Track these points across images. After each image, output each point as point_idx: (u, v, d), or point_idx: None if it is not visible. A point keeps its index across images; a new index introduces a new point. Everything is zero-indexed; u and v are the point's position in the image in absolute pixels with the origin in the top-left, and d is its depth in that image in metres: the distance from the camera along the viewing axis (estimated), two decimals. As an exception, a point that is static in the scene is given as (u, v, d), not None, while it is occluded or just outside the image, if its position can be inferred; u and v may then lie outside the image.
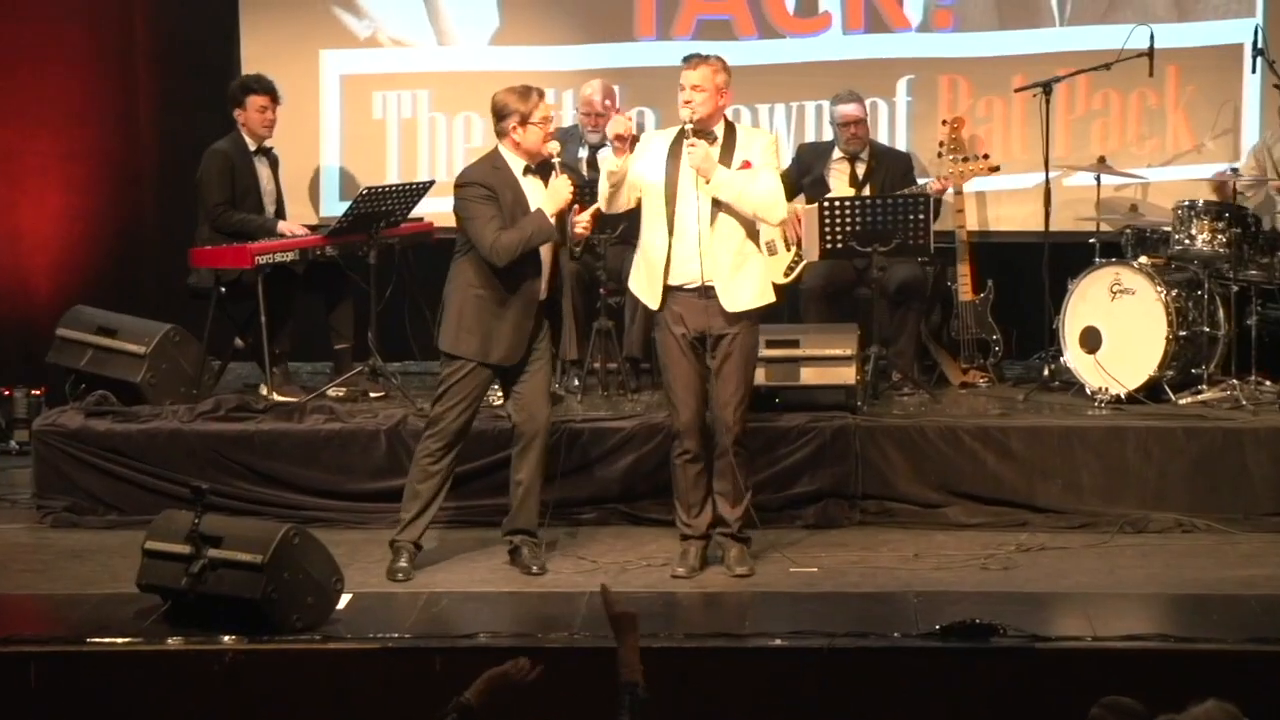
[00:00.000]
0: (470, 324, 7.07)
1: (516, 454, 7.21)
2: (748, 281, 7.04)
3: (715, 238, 6.97)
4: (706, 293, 6.99)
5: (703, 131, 6.98)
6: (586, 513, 7.99)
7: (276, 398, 8.55)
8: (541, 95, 7.10)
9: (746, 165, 6.99)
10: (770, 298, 7.15)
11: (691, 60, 7.08)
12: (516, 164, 7.09)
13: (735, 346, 7.03)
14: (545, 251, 7.08)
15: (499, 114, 7.09)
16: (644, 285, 7.11)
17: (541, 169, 7.11)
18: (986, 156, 9.15)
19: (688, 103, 6.97)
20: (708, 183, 6.93)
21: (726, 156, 7.01)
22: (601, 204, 7.08)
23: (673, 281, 7.01)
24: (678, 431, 7.13)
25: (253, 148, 8.94)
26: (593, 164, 9.02)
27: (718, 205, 6.96)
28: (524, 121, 7.04)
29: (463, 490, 7.64)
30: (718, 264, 6.97)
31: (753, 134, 7.20)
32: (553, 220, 6.98)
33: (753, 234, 7.07)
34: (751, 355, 7.14)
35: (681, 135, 7.00)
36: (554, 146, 7.05)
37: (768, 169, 7.04)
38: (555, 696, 5.10)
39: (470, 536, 7.67)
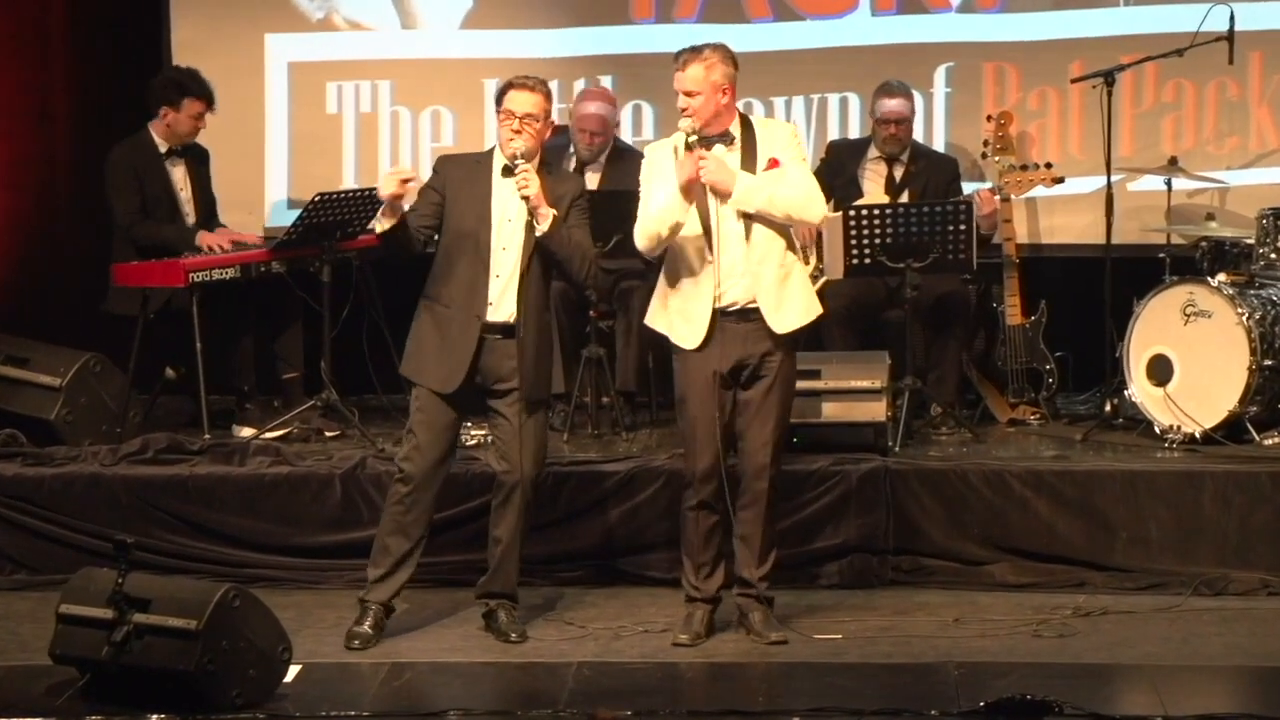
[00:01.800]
0: (414, 338, 7.20)
1: (494, 507, 7.26)
2: (795, 296, 7.08)
3: (752, 253, 6.98)
4: (746, 315, 7.03)
5: (711, 138, 7.01)
6: (574, 570, 8.02)
7: (249, 434, 8.60)
8: (515, 84, 7.07)
9: (774, 164, 7.01)
10: (817, 309, 7.20)
11: (681, 58, 7.04)
12: (498, 161, 7.15)
13: (776, 376, 7.04)
14: (510, 266, 7.09)
15: None
16: (678, 322, 7.06)
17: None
18: (1049, 165, 9.19)
19: (685, 110, 6.99)
20: (729, 198, 6.94)
21: (749, 159, 7.04)
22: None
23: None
24: (693, 479, 7.13)
25: (163, 149, 8.99)
26: (579, 174, 9.06)
27: (749, 215, 6.99)
28: (497, 107, 7.12)
29: (431, 544, 7.66)
30: (761, 282, 7.00)
31: (772, 126, 7.22)
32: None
33: (791, 241, 7.12)
34: (792, 387, 7.17)
35: (689, 146, 6.99)
36: (517, 145, 7.06)
37: (795, 163, 7.08)
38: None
39: (440, 597, 7.69)
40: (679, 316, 7.07)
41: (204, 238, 8.88)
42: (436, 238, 7.18)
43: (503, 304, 7.09)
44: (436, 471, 7.19)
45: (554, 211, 7.01)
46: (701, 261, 7.00)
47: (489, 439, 7.39)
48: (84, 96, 9.97)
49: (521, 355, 7.06)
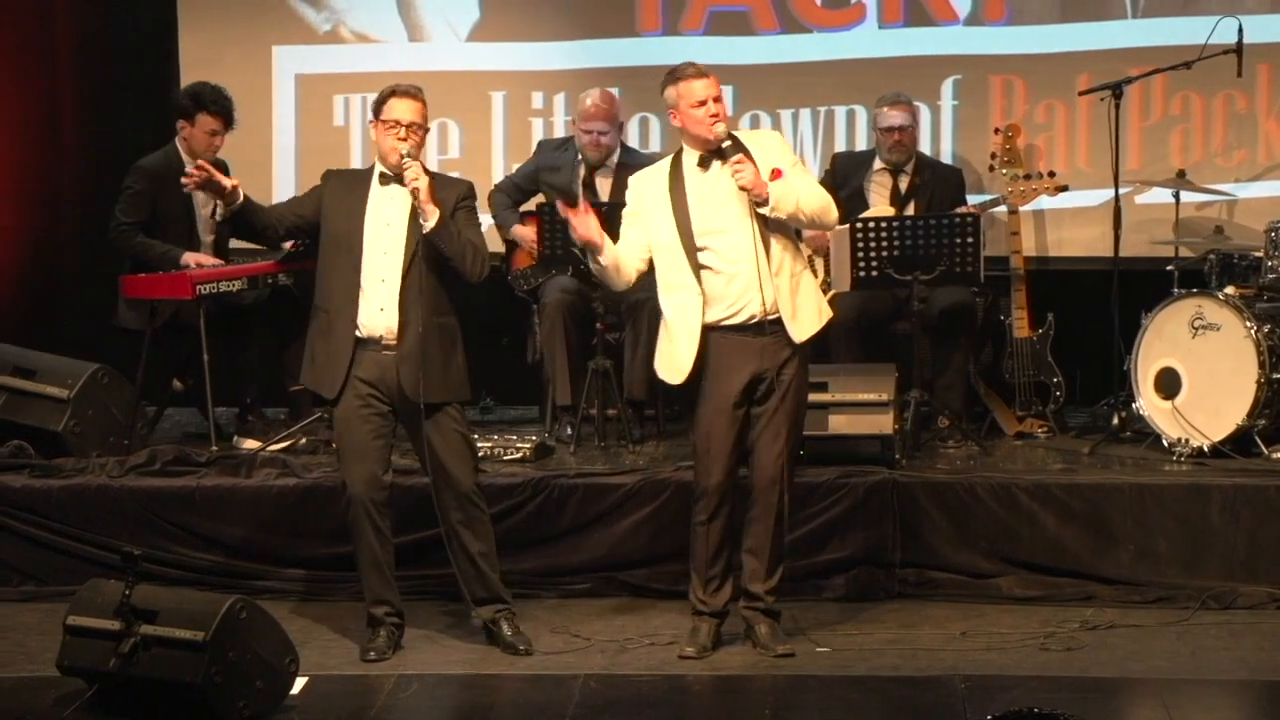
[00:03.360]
0: (306, 348, 7.30)
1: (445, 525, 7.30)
2: (807, 303, 7.12)
3: (772, 264, 6.99)
4: (762, 329, 7.05)
5: (723, 150, 7.00)
6: (580, 582, 8.05)
7: (252, 446, 8.63)
8: (398, 93, 7.12)
9: (778, 174, 7.02)
10: (828, 313, 7.24)
11: (690, 69, 7.05)
12: (377, 170, 7.22)
13: (790, 387, 7.07)
14: (394, 269, 7.09)
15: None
16: (669, 364, 7.09)
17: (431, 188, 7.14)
18: (1052, 174, 9.22)
19: (715, 117, 6.98)
20: (765, 203, 6.94)
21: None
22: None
23: (714, 319, 7.01)
24: (705, 492, 7.14)
25: (189, 165, 9.00)
26: (589, 185, 9.12)
27: (765, 226, 7.00)
28: (375, 117, 7.17)
29: (435, 557, 7.69)
30: (780, 292, 7.02)
31: (760, 137, 7.25)
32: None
33: (799, 249, 7.16)
34: (805, 398, 7.20)
35: (676, 161, 7.05)
36: (404, 148, 7.07)
37: (798, 170, 7.13)
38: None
39: (446, 610, 7.72)
40: (682, 339, 7.06)
41: (190, 257, 8.87)
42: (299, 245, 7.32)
43: (391, 308, 7.13)
44: (371, 488, 7.17)
45: (439, 210, 7.05)
46: (693, 293, 7.00)
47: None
48: (91, 108, 10.01)
49: (402, 359, 7.09)
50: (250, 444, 8.74)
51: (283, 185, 9.91)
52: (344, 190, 7.23)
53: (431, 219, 7.03)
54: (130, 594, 6.56)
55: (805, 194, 7.03)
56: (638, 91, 9.66)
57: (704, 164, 7.06)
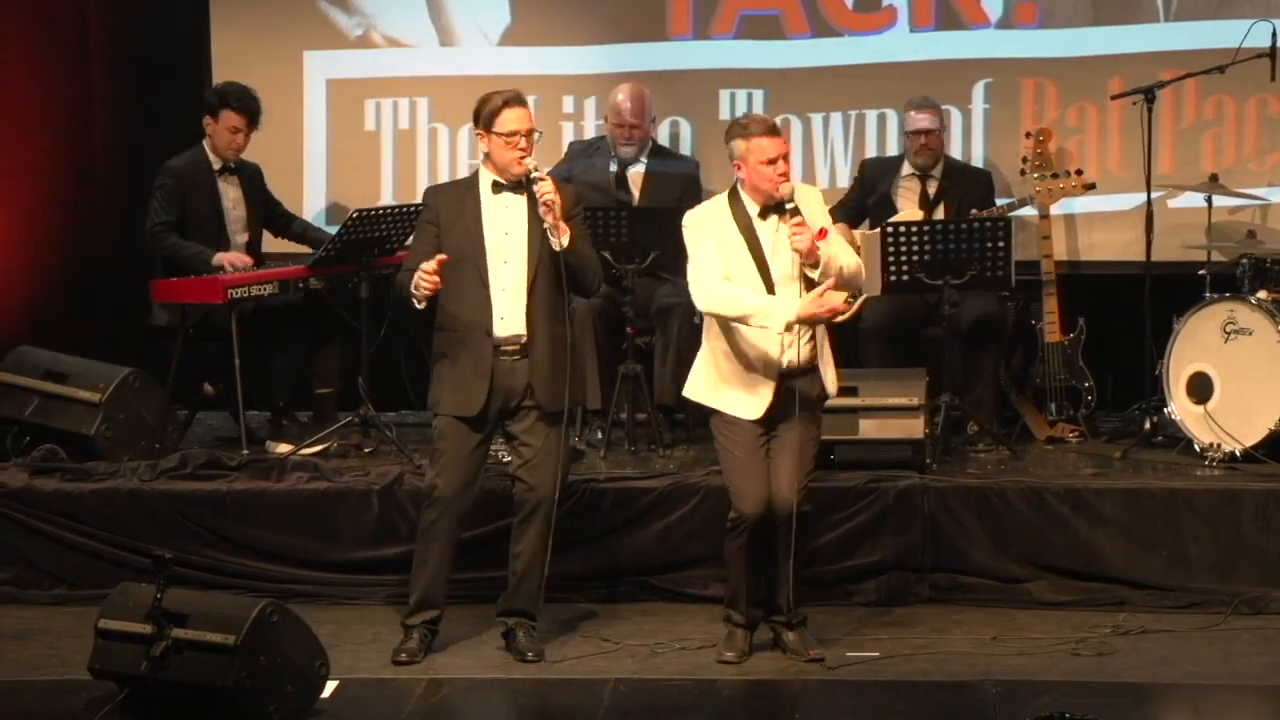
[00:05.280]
0: (436, 371, 7.24)
1: (516, 524, 7.28)
2: (830, 357, 7.14)
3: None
4: (791, 374, 7.02)
5: (786, 209, 6.97)
6: (611, 586, 8.05)
7: (285, 450, 8.65)
8: (511, 102, 7.09)
9: (824, 234, 6.98)
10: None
11: (764, 123, 7.01)
12: (486, 179, 7.19)
13: (808, 412, 7.06)
14: (515, 278, 7.11)
15: (474, 119, 7.23)
16: (732, 391, 7.05)
17: (525, 188, 7.13)
18: (1080, 173, 9.22)
19: (783, 176, 6.95)
20: (815, 266, 6.91)
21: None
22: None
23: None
24: (740, 518, 7.10)
25: (217, 165, 9.04)
26: (621, 182, 9.13)
27: (809, 279, 6.96)
28: (487, 130, 7.13)
29: (469, 560, 7.70)
30: (817, 345, 7.04)
31: (807, 192, 7.18)
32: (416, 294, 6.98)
33: None
34: (820, 420, 7.19)
35: (734, 201, 7.01)
36: (531, 161, 7.08)
37: (834, 230, 7.13)
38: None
39: (477, 613, 7.70)
40: (735, 385, 7.05)
41: (221, 258, 8.88)
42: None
43: (512, 317, 7.14)
44: (464, 494, 7.22)
45: (570, 229, 7.05)
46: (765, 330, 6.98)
47: (505, 457, 7.43)
48: (123, 110, 10.04)
49: (534, 368, 7.11)
50: (283, 448, 8.77)
51: (313, 190, 9.94)
52: (454, 205, 7.18)
53: (564, 237, 7.02)
54: (161, 598, 6.58)
55: (845, 258, 7.03)
56: (669, 95, 9.66)
57: (764, 215, 7.03)
